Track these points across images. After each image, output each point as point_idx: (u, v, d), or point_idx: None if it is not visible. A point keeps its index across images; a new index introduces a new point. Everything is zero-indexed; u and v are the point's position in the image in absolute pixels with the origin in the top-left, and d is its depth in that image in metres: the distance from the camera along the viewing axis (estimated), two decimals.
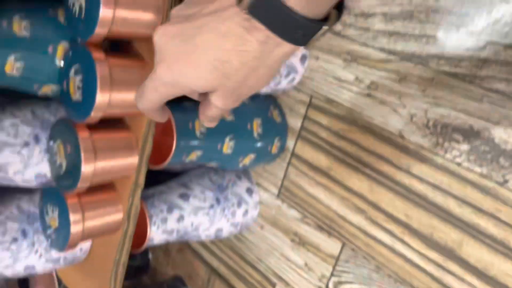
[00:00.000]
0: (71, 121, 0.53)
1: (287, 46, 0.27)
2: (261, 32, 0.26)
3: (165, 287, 0.87)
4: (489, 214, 0.52)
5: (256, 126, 0.64)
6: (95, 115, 0.49)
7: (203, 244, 0.88)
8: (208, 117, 0.33)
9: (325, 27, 0.26)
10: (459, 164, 0.54)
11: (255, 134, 0.64)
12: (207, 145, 0.60)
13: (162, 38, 0.29)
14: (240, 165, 0.67)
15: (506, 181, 0.50)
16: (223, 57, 0.27)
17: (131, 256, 0.94)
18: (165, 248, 0.94)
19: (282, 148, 0.70)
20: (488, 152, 0.52)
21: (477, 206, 0.53)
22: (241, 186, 0.74)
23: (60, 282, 0.80)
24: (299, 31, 0.26)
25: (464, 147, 0.53)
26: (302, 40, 0.27)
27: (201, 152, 0.60)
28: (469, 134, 0.53)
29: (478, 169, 0.52)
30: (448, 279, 0.56)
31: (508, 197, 0.50)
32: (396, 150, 0.59)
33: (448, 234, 0.55)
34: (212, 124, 0.34)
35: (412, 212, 0.58)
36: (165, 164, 0.58)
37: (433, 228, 0.56)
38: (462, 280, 0.54)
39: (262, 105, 0.68)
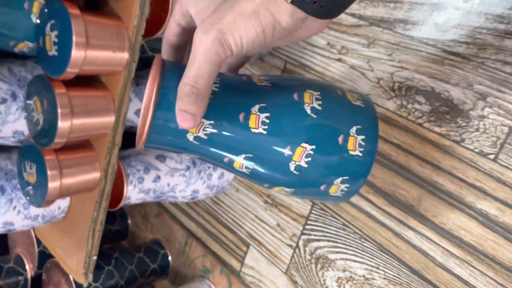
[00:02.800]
0: (48, 77, 0.54)
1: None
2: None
3: (144, 250, 0.89)
4: (447, 172, 0.55)
5: None
6: (70, 70, 0.51)
7: (181, 208, 0.91)
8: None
9: None
10: (420, 125, 0.57)
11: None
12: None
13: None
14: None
15: (463, 140, 0.54)
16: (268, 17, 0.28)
17: (110, 221, 0.96)
18: (144, 213, 0.97)
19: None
20: (447, 113, 0.55)
21: (436, 164, 0.56)
22: None
23: (39, 242, 0.82)
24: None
25: (426, 108, 0.56)
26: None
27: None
28: (431, 96, 0.56)
29: (437, 129, 0.56)
30: (408, 233, 0.59)
31: (464, 155, 0.54)
32: None
33: (409, 192, 0.59)
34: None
35: (376, 172, 0.61)
36: None
37: (396, 186, 0.60)
38: (421, 234, 0.58)
39: None
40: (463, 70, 0.53)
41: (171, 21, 0.35)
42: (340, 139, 0.34)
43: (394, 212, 0.60)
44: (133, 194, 0.66)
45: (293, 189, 0.34)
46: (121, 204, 0.66)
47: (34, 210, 0.65)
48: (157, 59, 0.32)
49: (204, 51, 0.28)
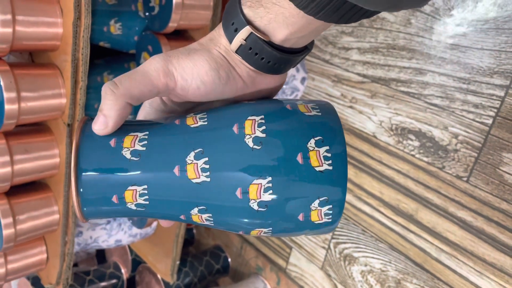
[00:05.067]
0: None
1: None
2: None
3: (208, 254, 1.13)
4: (434, 190, 0.75)
5: None
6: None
7: None
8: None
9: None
10: (413, 156, 0.77)
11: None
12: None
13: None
14: None
15: (444, 167, 0.73)
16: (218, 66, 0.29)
17: None
18: None
19: None
20: (431, 147, 0.74)
21: (426, 184, 0.76)
22: None
23: (131, 251, 1.07)
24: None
25: (416, 143, 0.76)
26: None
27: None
28: (419, 134, 0.75)
29: (425, 159, 0.75)
30: (410, 236, 0.79)
31: (445, 177, 0.73)
32: (371, 146, 0.82)
33: (408, 205, 0.78)
34: None
35: (384, 190, 0.82)
36: None
37: (399, 200, 0.80)
38: (419, 236, 0.78)
39: None
40: (440, 116, 0.72)
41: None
42: (299, 158, 0.30)
43: (399, 220, 0.80)
44: None
45: (271, 228, 0.31)
46: None
47: (135, 230, 0.89)
48: (78, 125, 0.30)
49: (144, 64, 0.29)
